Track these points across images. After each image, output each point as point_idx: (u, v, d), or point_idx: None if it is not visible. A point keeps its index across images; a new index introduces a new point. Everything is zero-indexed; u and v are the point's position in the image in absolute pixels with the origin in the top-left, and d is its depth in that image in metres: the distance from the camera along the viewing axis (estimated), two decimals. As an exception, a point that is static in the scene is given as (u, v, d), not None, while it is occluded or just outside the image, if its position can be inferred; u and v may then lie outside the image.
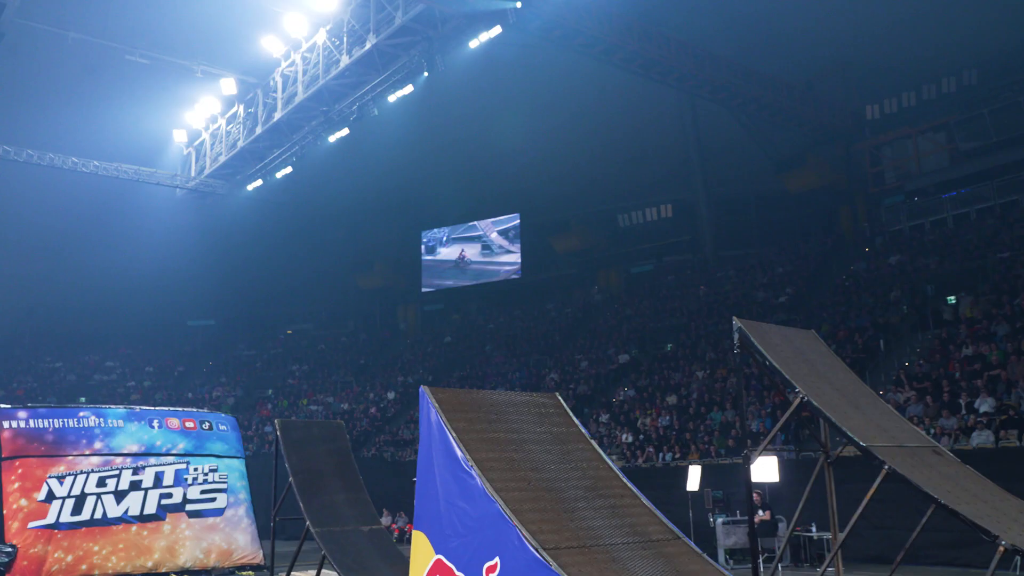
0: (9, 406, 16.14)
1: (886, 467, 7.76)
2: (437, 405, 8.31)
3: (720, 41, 29.74)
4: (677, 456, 21.68)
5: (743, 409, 10.77)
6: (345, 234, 44.98)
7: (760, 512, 15.88)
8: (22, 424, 15.65)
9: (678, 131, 36.28)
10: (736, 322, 8.73)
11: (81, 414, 16.44)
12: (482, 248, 41.79)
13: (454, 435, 7.99)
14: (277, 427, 13.52)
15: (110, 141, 35.13)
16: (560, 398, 9.48)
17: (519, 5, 24.11)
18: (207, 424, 17.69)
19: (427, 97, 30.06)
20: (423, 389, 8.61)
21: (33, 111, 34.67)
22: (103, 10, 30.12)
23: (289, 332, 47.47)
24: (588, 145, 36.97)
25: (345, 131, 31.79)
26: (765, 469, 15.90)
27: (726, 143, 34.49)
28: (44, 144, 33.80)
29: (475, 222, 42.25)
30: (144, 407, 18.01)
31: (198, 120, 34.98)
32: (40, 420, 15.87)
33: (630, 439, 23.76)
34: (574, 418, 9.28)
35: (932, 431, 16.45)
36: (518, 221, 41.10)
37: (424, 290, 43.50)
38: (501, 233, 41.50)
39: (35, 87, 34.28)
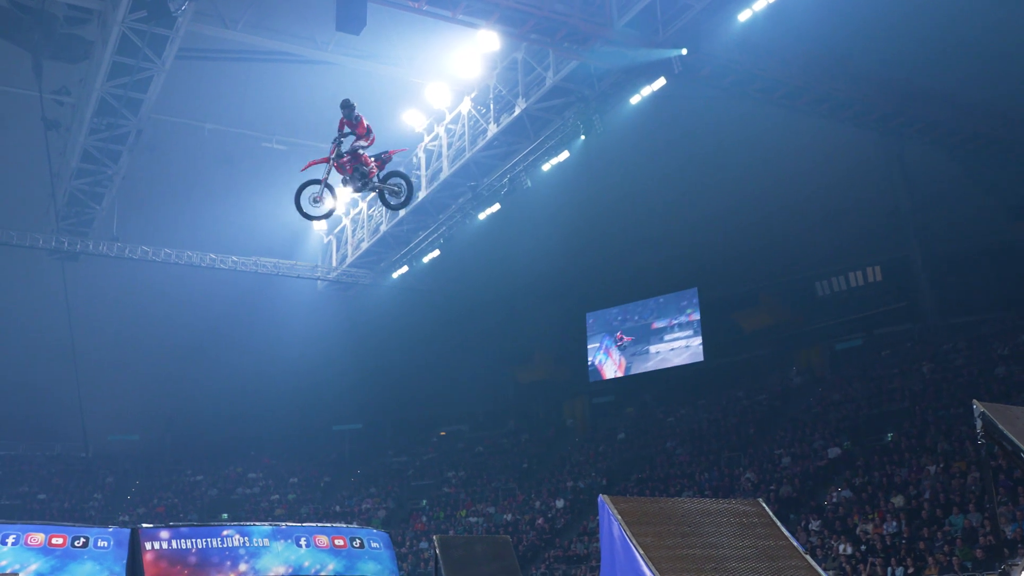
0: (151, 525, 17.01)
1: None
2: (620, 517, 8.19)
3: (927, 71, 28.79)
4: (911, 571, 20.31)
5: (993, 511, 10.02)
6: (500, 322, 45.72)
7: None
8: (164, 545, 16.48)
9: (883, 180, 35.11)
10: (977, 406, 8.21)
11: (224, 532, 17.12)
12: (656, 329, 41.43)
13: (641, 552, 7.82)
14: (435, 544, 13.66)
15: (248, 234, 37.73)
16: (764, 504, 9.15)
17: (684, 52, 24.30)
18: (358, 541, 18.07)
19: (585, 163, 30.58)
20: (602, 499, 8.53)
21: (170, 208, 37.71)
22: (239, 98, 32.68)
23: (442, 434, 48.31)
24: (774, 204, 36.33)
25: (496, 207, 32.72)
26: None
27: (943, 190, 33.06)
28: (182, 242, 36.73)
29: (646, 300, 42.04)
30: (290, 524, 18.65)
31: (338, 205, 36.88)
32: (183, 540, 16.67)
33: (849, 551, 22.54)
34: (783, 528, 8.92)
35: None
36: (696, 297, 40.57)
37: (592, 380, 43.40)
38: (678, 311, 41.04)
39: (172, 183, 37.38)
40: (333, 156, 12.39)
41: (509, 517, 36.07)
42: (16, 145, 33.65)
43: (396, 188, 13.21)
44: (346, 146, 12.42)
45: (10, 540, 15.58)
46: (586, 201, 36.46)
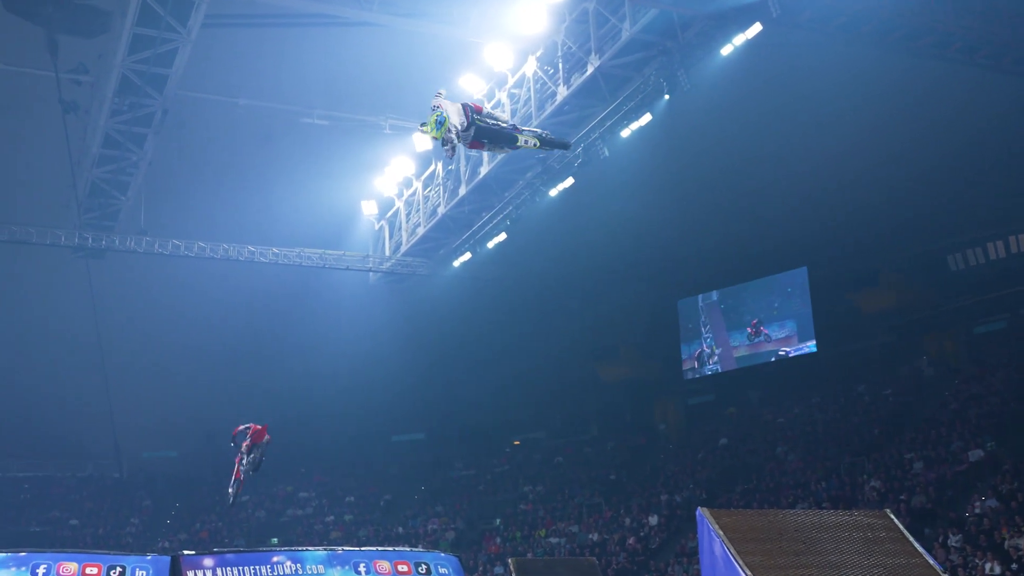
0: (193, 552, 17.44)
1: None
2: (722, 533, 8.13)
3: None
4: (1072, 593, 19.82)
5: None
6: (578, 313, 45.65)
7: None
8: (209, 574, 16.86)
9: (1027, 133, 34.18)
10: None
11: (275, 559, 17.46)
12: (760, 316, 40.98)
13: (748, 573, 7.76)
14: (512, 567, 13.70)
15: (290, 223, 38.27)
16: (892, 516, 9.03)
17: (784, -8, 23.90)
18: (424, 567, 18.23)
19: (670, 127, 30.31)
20: (701, 512, 8.47)
21: (203, 196, 38.42)
22: (275, 68, 33.18)
23: (516, 443, 48.47)
24: (895, 167, 35.60)
25: (569, 181, 32.66)
26: None
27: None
28: (217, 233, 37.37)
29: (747, 282, 41.60)
30: (348, 548, 18.91)
31: (390, 186, 37.29)
32: (229, 568, 17.03)
33: (997, 570, 22.13)
34: (915, 543, 8.79)
35: None
36: (806, 277, 39.99)
37: (687, 377, 43.12)
38: (784, 295, 40.54)
39: (204, 167, 38.08)
40: None
41: (595, 537, 36.08)
42: (31, 132, 34.58)
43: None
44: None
45: (41, 571, 16.11)
46: (673, 170, 36.12)
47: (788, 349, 39.79)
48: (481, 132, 12.05)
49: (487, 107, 12.73)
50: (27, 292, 42.22)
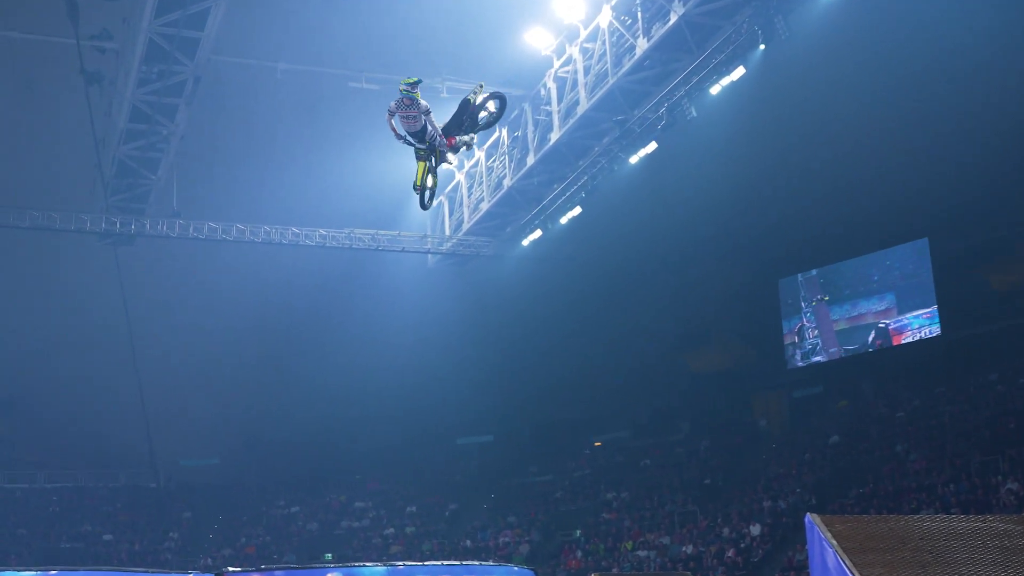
0: (239, 570, 17.79)
1: None
2: (835, 542, 8.10)
3: None
4: None
5: None
6: (666, 297, 45.30)
7: None
8: (260, 593, 17.23)
9: None
10: None
11: (331, 576, 17.77)
12: (875, 296, 40.51)
13: (868, 587, 7.74)
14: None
15: (338, 201, 38.53)
16: (1034, 522, 8.89)
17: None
18: (497, 584, 18.44)
19: (767, 81, 29.96)
20: (811, 519, 8.46)
21: (241, 173, 38.83)
22: (317, 28, 33.33)
23: (597, 444, 48.38)
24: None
25: (652, 146, 32.53)
26: None
27: None
28: (257, 214, 37.84)
29: (859, 257, 41.10)
30: (410, 563, 19.14)
31: (449, 158, 37.34)
32: (281, 587, 17.39)
33: None
34: (1062, 554, 8.64)
35: None
36: (927, 250, 39.40)
37: (791, 367, 42.73)
38: (902, 271, 40.02)
39: (241, 141, 38.39)
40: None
41: (689, 549, 35.98)
42: (51, 107, 35.19)
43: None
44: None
45: (75, 591, 16.60)
46: (770, 132, 35.71)
47: (887, 322, 39.80)
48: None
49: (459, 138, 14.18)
50: (50, 284, 42.98)
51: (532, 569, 20.19)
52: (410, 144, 14.02)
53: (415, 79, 13.65)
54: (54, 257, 40.76)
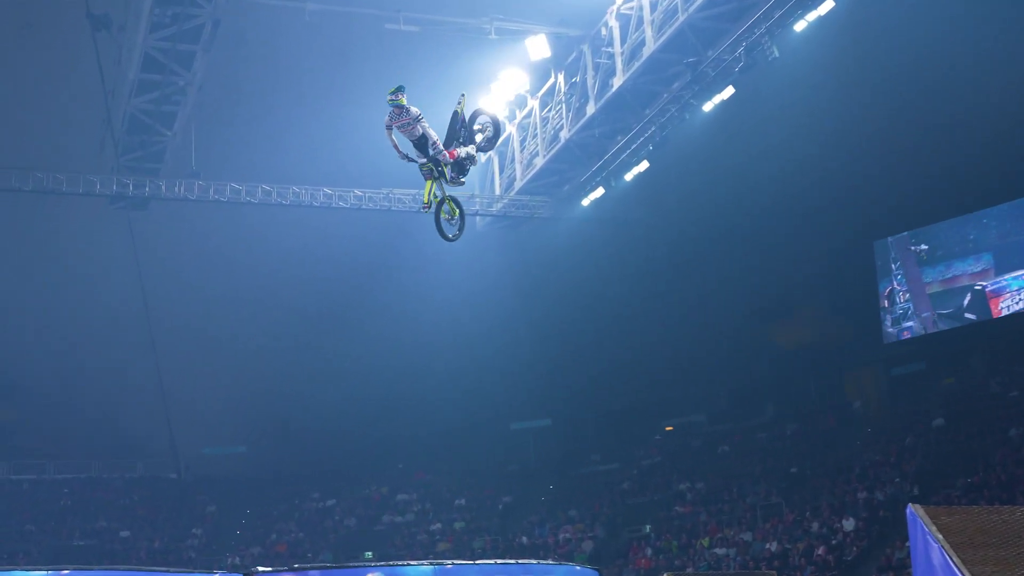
0: (270, 570, 17.83)
1: None
2: (941, 536, 7.93)
3: None
4: None
5: None
6: (745, 262, 44.89)
7: None
8: (290, 596, 17.26)
9: None
10: None
11: (370, 577, 17.77)
12: (985, 259, 40.01)
13: (980, 588, 7.55)
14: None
15: (374, 158, 38.22)
16: None
17: None
18: (556, 586, 18.36)
19: (860, 17, 29.55)
20: (913, 511, 8.26)
21: (266, 128, 38.84)
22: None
23: (669, 429, 48.27)
24: None
25: (728, 92, 32.16)
26: None
27: None
28: (284, 174, 37.82)
29: (967, 215, 40.58)
30: (460, 562, 19.09)
31: (498, 108, 37.18)
32: (314, 589, 17.42)
33: None
34: None
35: None
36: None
37: (889, 341, 42.34)
38: (1001, 230, 39.56)
39: (266, 93, 38.46)
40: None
41: (774, 547, 35.82)
42: (55, 56, 35.42)
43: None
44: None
45: (87, 592, 16.71)
46: (865, 74, 35.29)
47: (984, 284, 39.60)
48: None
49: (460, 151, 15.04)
50: (56, 254, 43.30)
51: (596, 569, 20.13)
52: (412, 161, 14.90)
53: (396, 86, 14.60)
54: (60, 224, 40.99)
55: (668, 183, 38.44)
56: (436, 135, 14.66)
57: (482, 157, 15.68)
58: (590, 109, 34.32)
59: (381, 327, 46.16)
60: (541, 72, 35.82)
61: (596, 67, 33.87)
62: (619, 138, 35.95)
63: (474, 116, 15.75)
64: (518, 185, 38.48)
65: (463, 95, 15.59)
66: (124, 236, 39.10)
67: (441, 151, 14.68)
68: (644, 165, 36.27)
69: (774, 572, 14.47)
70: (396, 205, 38.17)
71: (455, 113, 15.31)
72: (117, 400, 46.84)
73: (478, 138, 15.61)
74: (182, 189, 36.98)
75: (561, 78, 35.58)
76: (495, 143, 16.19)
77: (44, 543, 42.88)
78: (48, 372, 46.46)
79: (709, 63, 31.66)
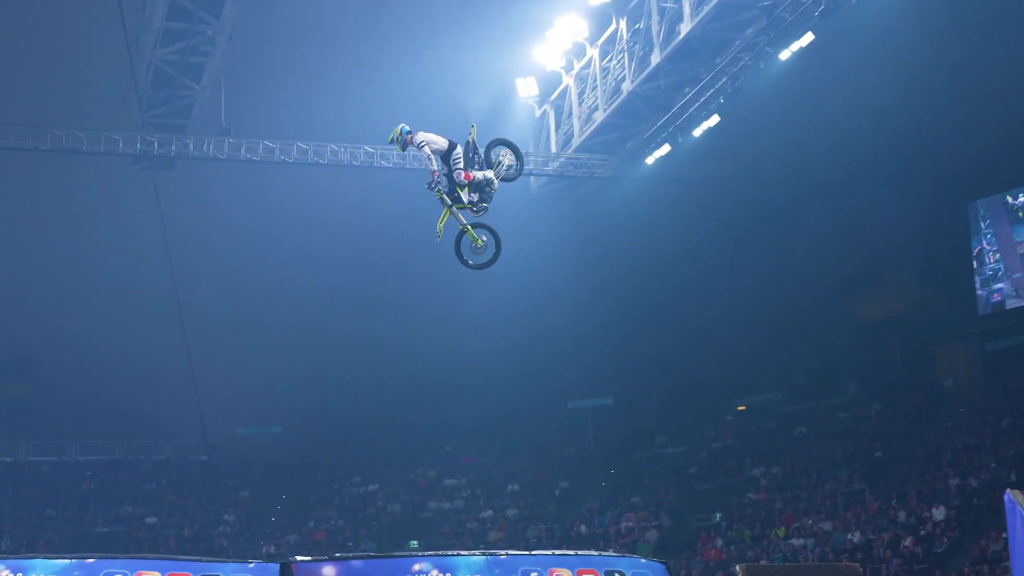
0: (309, 558, 17.84)
1: None
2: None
3: None
4: None
5: None
6: (826, 227, 44.59)
7: None
8: (329, 587, 17.24)
9: None
10: None
11: (416, 568, 17.70)
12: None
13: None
14: (741, 575, 13.54)
15: (419, 112, 38.00)
16: None
17: None
18: (618, 577, 18.24)
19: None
20: (1011, 497, 8.10)
21: (301, 81, 38.94)
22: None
23: (741, 409, 48.03)
24: None
25: (807, 38, 31.84)
26: None
27: None
28: (321, 131, 37.78)
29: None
30: (513, 552, 19.03)
31: (554, 57, 37.01)
32: (355, 580, 17.39)
33: None
34: None
35: None
36: None
37: (985, 313, 41.93)
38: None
39: (301, 43, 38.54)
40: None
41: (856, 537, 35.61)
42: (73, 4, 35.46)
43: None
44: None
45: (116, 582, 16.76)
46: (958, 20, 34.79)
47: None
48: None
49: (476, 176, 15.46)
50: (76, 218, 43.54)
51: (662, 562, 19.92)
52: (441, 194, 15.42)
53: (391, 134, 15.53)
54: (81, 186, 41.21)
55: (741, 139, 38.22)
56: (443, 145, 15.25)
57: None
58: (655, 58, 34.09)
59: (427, 300, 46.20)
60: (601, 18, 35.62)
61: (661, 12, 33.61)
62: (687, 90, 35.74)
63: (492, 145, 16.01)
64: (576, 142, 38.33)
65: (473, 125, 15.84)
66: (149, 199, 39.21)
67: (456, 169, 15.17)
68: (714, 119, 36.04)
69: (856, 565, 14.26)
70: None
71: (467, 143, 15.55)
72: (143, 376, 47.01)
73: (500, 168, 15.85)
74: (211, 147, 37.01)
75: (623, 24, 35.34)
76: (519, 170, 16.29)
77: (65, 530, 43.24)
78: (68, 346, 46.79)
79: (786, 6, 31.38)
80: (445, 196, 15.34)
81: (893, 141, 40.09)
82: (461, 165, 15.21)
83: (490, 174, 15.62)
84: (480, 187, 15.46)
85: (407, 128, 15.53)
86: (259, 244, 45.07)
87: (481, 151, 15.75)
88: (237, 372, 46.87)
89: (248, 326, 47.16)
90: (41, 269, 44.47)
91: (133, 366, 46.98)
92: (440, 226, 15.52)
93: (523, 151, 17.11)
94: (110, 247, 44.24)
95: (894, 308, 44.85)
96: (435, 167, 15.35)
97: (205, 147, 37.04)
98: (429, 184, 15.37)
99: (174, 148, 36.96)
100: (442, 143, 15.32)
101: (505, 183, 15.94)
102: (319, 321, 48.02)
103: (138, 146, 36.74)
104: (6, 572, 16.68)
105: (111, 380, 47.03)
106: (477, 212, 15.50)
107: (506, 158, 15.95)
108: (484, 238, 15.77)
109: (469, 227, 15.61)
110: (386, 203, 41.99)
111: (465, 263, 15.97)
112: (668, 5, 33.48)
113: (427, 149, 15.26)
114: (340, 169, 38.32)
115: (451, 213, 15.37)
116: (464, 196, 15.28)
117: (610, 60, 36.67)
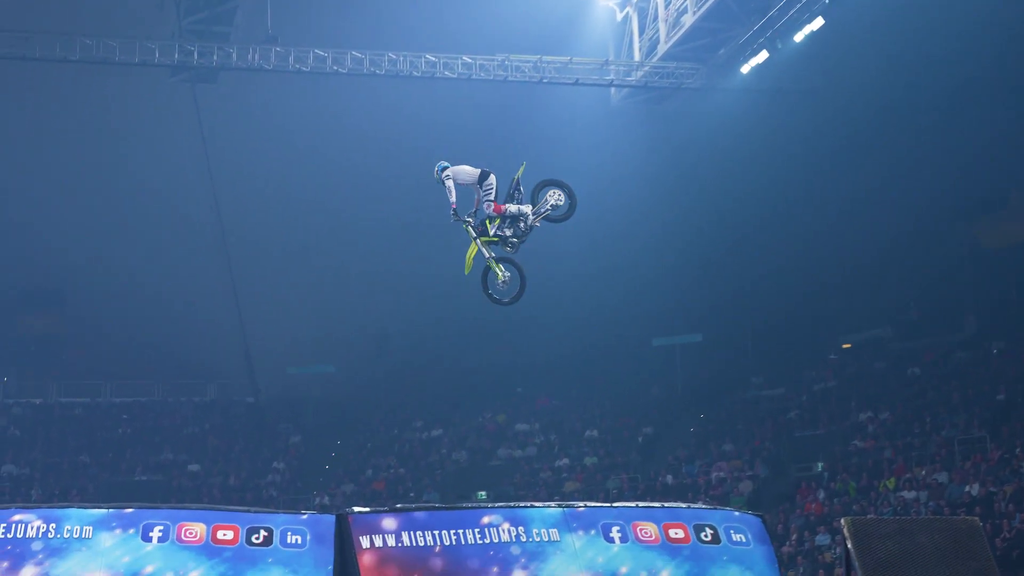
0: (367, 510, 18.06)
1: None
2: None
3: None
4: None
5: None
6: (943, 144, 44.09)
7: None
8: (391, 541, 17.44)
9: None
10: None
11: (485, 520, 17.90)
12: None
13: None
14: (846, 532, 13.65)
15: (487, 18, 38.34)
16: None
17: None
18: (709, 532, 18.36)
19: None
20: None
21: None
22: None
23: (847, 347, 47.84)
24: None
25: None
26: None
27: None
28: (377, 39, 37.78)
29: None
30: (592, 504, 19.20)
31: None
32: (418, 533, 17.58)
33: None
34: None
35: None
36: None
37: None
38: None
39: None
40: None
41: (975, 489, 35.53)
42: None
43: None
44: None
45: (155, 533, 17.08)
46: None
47: None
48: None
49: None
50: (112, 138, 43.80)
51: (758, 515, 19.98)
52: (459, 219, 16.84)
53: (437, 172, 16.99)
54: (113, 101, 41.43)
55: (848, 45, 37.97)
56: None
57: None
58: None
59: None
60: (691, -91, 35.46)
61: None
62: (787, -10, 35.62)
63: (542, 184, 16.92)
64: (662, 49, 38.17)
65: (523, 163, 16.89)
66: (189, 115, 39.43)
67: (487, 199, 16.50)
68: (818, 22, 35.81)
69: (976, 520, 14.30)
70: (513, 75, 38.03)
71: (512, 179, 16.73)
72: (183, 310, 47.42)
73: (543, 206, 16.80)
74: (256, 57, 37.04)
75: (715, -85, 35.21)
76: (569, 212, 17.03)
77: (101, 478, 43.79)
78: (101, 277, 47.09)
79: None
80: (471, 228, 16.49)
81: (1021, 44, 39.63)
82: (492, 196, 16.34)
83: (526, 209, 16.58)
84: (514, 221, 16.52)
85: (444, 164, 16.87)
86: (310, 166, 45.18)
87: (523, 189, 16.73)
88: (286, 305, 47.16)
89: (298, 257, 47.33)
90: (70, 193, 44.77)
91: (172, 299, 47.38)
92: (469, 258, 16.62)
93: (575, 193, 17.24)
94: (146, 169, 44.37)
95: (1019, 235, 44.49)
96: (454, 199, 16.54)
97: (250, 57, 37.09)
98: (452, 217, 16.57)
99: (216, 58, 37.03)
100: (472, 172, 16.65)
101: (549, 223, 16.69)
102: (376, 251, 48.13)
103: (176, 56, 36.83)
104: (38, 523, 17.00)
105: (148, 315, 47.52)
106: (510, 248, 16.57)
107: (552, 198, 16.77)
108: (508, 273, 16.73)
109: (494, 261, 16.62)
110: (452, 119, 41.99)
111: (491, 298, 17.06)
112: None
113: (450, 183, 16.55)
114: (399, 80, 38.28)
115: (478, 247, 16.46)
116: (491, 228, 16.39)
117: (699, -40, 36.54)
